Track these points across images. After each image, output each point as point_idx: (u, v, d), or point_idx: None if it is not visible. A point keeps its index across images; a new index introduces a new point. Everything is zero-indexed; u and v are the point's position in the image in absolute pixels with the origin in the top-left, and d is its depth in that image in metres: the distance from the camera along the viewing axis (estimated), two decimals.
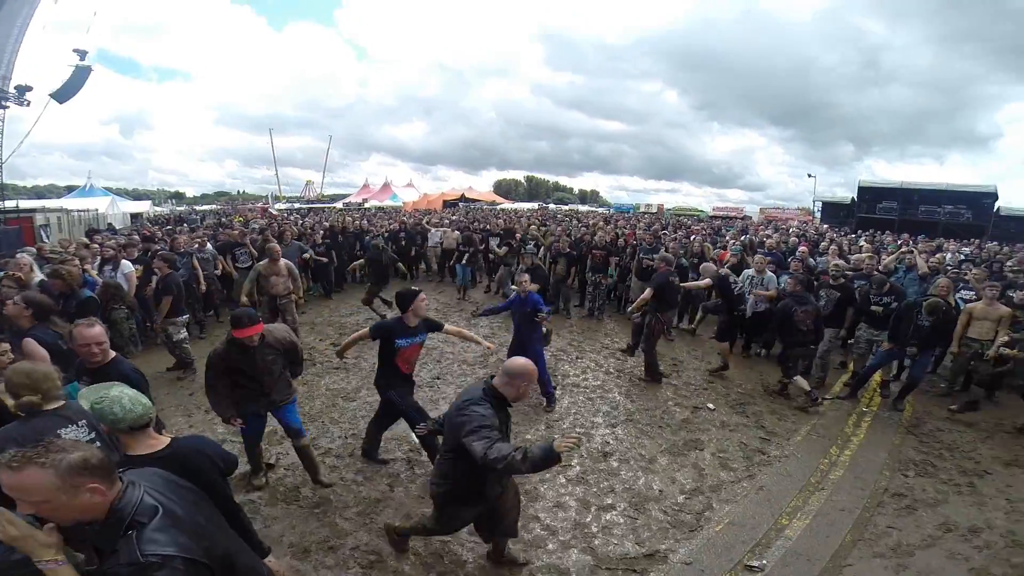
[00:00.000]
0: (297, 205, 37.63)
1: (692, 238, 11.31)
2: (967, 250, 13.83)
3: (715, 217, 35.37)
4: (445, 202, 39.21)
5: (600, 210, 42.13)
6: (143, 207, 26.55)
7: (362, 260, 9.25)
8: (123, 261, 6.45)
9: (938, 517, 3.73)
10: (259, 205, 35.45)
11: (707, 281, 6.27)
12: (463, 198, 41.24)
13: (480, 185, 62.04)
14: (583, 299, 9.52)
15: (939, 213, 31.39)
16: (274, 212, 26.51)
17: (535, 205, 45.64)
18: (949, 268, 8.05)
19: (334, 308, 9.42)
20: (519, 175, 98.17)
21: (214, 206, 40.15)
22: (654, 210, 41.22)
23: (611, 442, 4.70)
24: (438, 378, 6.06)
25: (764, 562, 3.25)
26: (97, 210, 20.23)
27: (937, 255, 9.06)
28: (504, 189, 76.57)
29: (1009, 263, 10.64)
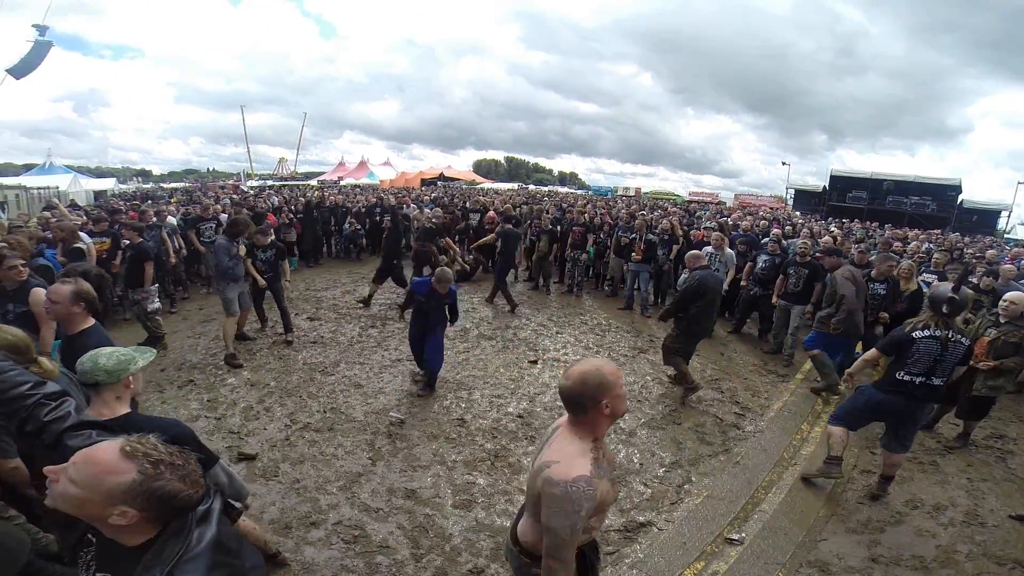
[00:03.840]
0: (270, 182, 36.60)
1: (666, 219, 11.48)
2: (928, 244, 14.30)
3: (691, 202, 35.80)
4: (423, 181, 38.63)
5: (580, 192, 42.15)
6: (107, 184, 25.44)
7: None
8: (80, 234, 6.17)
9: (905, 494, 3.84)
10: (231, 182, 34.41)
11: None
12: (442, 177, 40.69)
13: (459, 164, 61.25)
14: (562, 276, 9.60)
15: (906, 204, 32.36)
16: (246, 189, 25.73)
17: (515, 185, 45.36)
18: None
19: (310, 282, 9.23)
20: (498, 155, 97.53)
21: (183, 183, 38.83)
22: (631, 193, 41.47)
23: None
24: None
25: (743, 535, 3.31)
26: (58, 188, 19.27)
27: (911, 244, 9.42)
28: (484, 169, 75.70)
29: (969, 251, 11.12)
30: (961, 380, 4.12)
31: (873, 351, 3.72)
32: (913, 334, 3.49)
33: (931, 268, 6.80)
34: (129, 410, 1.96)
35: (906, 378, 3.52)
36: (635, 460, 4.08)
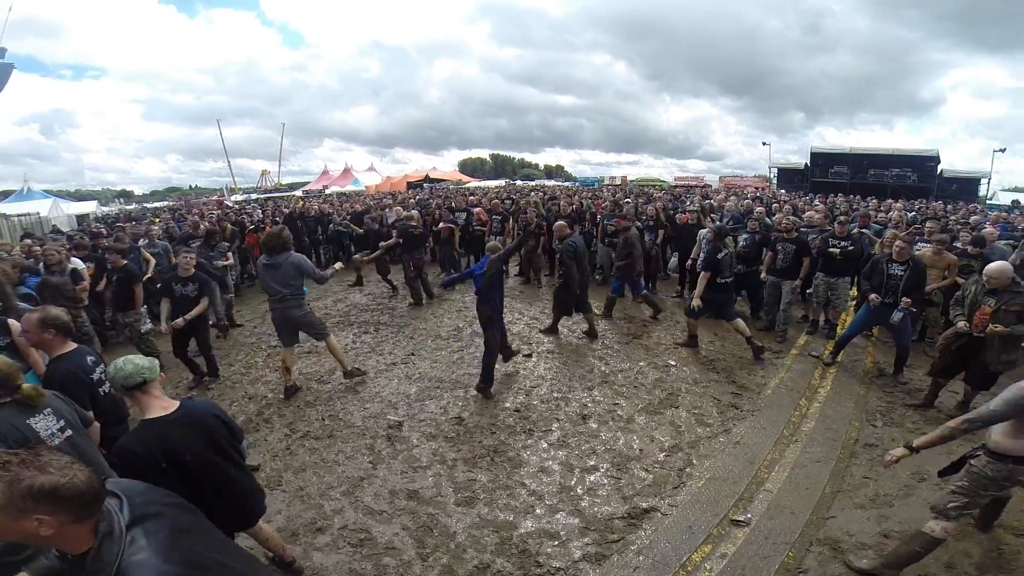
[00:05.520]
0: (254, 196, 36.39)
1: (650, 205, 11.50)
2: (912, 213, 14.37)
3: (677, 186, 36.00)
4: (409, 184, 38.55)
5: (566, 184, 42.23)
6: (89, 207, 25.20)
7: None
8: (73, 259, 6.12)
9: (911, 466, 3.67)
10: (214, 198, 34.20)
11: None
12: (427, 179, 40.65)
13: (444, 165, 61.34)
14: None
15: (887, 176, 32.72)
16: (230, 204, 25.56)
17: (502, 182, 45.36)
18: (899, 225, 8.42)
19: None
20: (483, 153, 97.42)
21: (166, 202, 38.51)
22: (618, 182, 41.60)
23: (589, 405, 4.75)
24: (412, 354, 6.00)
25: (749, 516, 3.31)
26: (38, 214, 19.05)
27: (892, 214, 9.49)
28: (470, 168, 75.66)
29: (953, 218, 11.23)
30: (975, 353, 4.21)
31: (704, 273, 5.66)
32: (719, 256, 5.57)
33: (925, 238, 6.85)
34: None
35: (722, 280, 5.67)
36: (634, 446, 4.09)
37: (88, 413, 2.51)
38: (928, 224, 7.23)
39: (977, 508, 2.74)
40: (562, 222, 6.90)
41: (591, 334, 6.43)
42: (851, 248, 6.04)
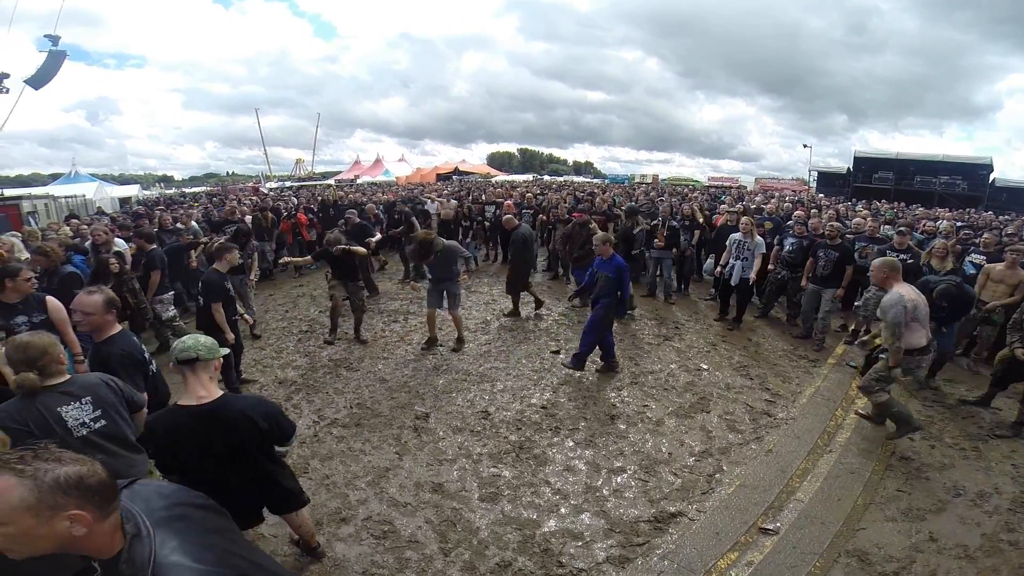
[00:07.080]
0: (288, 184, 37.14)
1: (686, 204, 11.26)
2: (959, 223, 13.62)
3: (711, 187, 35.32)
4: (439, 175, 38.81)
5: (595, 181, 41.86)
6: (131, 191, 26.05)
7: None
8: (116, 239, 6.31)
9: (947, 481, 3.69)
10: (250, 184, 35.03)
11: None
12: (457, 171, 40.83)
13: (472, 158, 61.50)
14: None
15: (935, 183, 31.33)
16: (265, 191, 26.12)
17: (530, 177, 45.23)
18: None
19: None
20: (511, 147, 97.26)
21: (205, 188, 39.64)
22: (649, 180, 41.01)
23: (617, 405, 4.68)
24: (440, 345, 6.01)
25: (778, 524, 3.23)
26: (84, 196, 19.80)
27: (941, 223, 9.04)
28: (498, 162, 75.54)
29: (1008, 230, 10.60)
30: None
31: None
32: (634, 232, 7.34)
33: (980, 250, 6.49)
34: (223, 391, 2.10)
35: (634, 253, 7.49)
36: (663, 449, 4.01)
37: (142, 396, 2.49)
38: (986, 236, 6.83)
39: (891, 384, 4.07)
40: (510, 215, 7.81)
41: (537, 304, 7.33)
42: (910, 262, 5.58)
